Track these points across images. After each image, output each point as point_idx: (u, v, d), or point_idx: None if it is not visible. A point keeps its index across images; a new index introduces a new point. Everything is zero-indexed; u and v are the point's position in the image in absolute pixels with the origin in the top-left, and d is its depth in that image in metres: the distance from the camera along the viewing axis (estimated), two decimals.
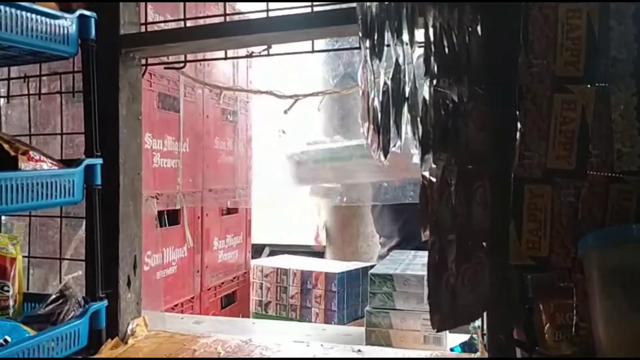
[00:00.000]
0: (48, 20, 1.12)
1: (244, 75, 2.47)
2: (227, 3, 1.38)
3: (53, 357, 1.10)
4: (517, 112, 0.95)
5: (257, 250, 3.55)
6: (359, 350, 1.25)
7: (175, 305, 2.05)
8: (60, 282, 1.30)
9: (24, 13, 1.07)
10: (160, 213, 1.89)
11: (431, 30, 0.98)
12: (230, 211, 2.53)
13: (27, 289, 1.38)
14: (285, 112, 1.58)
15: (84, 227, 1.51)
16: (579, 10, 0.92)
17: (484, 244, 0.99)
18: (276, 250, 3.98)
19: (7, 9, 1.03)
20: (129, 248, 1.33)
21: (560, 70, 0.94)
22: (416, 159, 0.99)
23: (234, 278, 2.55)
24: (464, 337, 1.31)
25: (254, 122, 2.63)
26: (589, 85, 0.93)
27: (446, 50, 0.97)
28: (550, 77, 0.94)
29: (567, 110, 0.94)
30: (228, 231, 2.49)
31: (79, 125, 1.52)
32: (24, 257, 1.33)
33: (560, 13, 0.93)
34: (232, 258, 2.53)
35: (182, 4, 1.44)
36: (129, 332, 1.31)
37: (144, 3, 1.39)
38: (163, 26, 1.51)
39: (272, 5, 1.22)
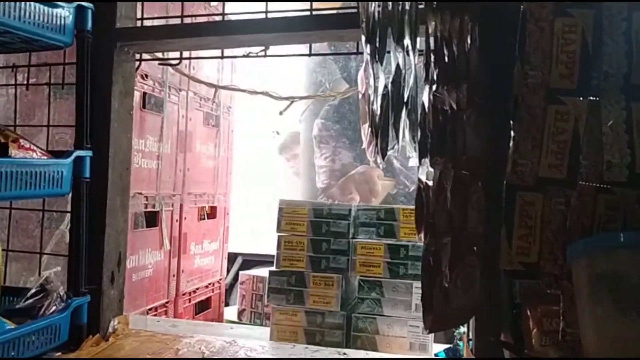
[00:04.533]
0: (46, 8, 1.11)
1: (228, 78, 2.46)
2: (220, 4, 1.38)
3: (38, 354, 1.07)
4: (512, 121, 0.98)
5: (230, 260, 3.47)
6: (344, 354, 1.25)
7: (150, 310, 2.01)
8: (40, 277, 1.26)
9: None
10: (138, 214, 1.86)
11: (432, 38, 1.01)
12: (208, 216, 2.50)
13: (4, 283, 1.33)
14: (281, 113, 1.58)
15: (65, 221, 1.48)
16: (574, 25, 0.96)
17: (475, 248, 1.01)
18: (250, 259, 3.91)
19: None
20: (115, 243, 1.30)
21: (554, 82, 0.97)
22: (413, 162, 1.01)
23: (209, 284, 2.51)
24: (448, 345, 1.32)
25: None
26: (581, 98, 0.96)
27: (446, 58, 1.00)
28: (545, 88, 0.97)
29: (560, 121, 0.97)
30: (205, 236, 2.46)
31: (65, 119, 1.49)
32: (2, 250, 1.29)
33: (556, 27, 0.97)
34: (208, 264, 2.49)
35: (176, 2, 1.44)
36: (110, 329, 1.28)
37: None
38: (157, 22, 1.50)
39: (270, 7, 1.23)
